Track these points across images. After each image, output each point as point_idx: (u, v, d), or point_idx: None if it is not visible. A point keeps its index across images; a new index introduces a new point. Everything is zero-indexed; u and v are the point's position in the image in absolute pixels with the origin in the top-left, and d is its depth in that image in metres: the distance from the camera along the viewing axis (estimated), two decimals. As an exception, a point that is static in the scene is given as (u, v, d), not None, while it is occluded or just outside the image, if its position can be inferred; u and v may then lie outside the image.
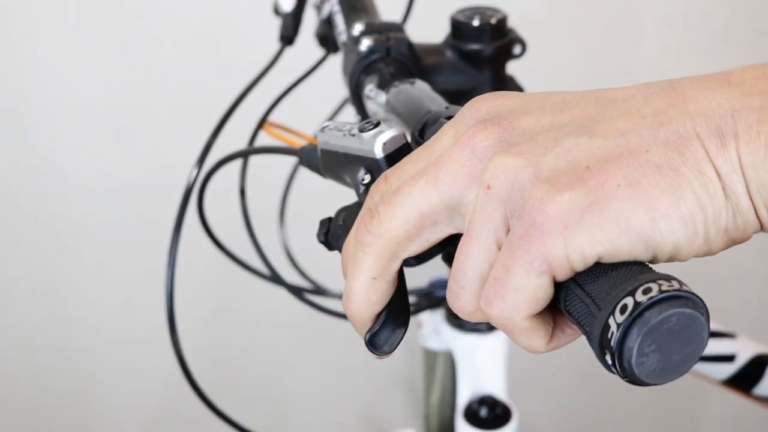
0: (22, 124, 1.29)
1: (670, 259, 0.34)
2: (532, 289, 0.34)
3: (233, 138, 0.73)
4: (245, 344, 1.48)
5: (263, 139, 0.69)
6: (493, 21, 0.64)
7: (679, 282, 0.32)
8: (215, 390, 0.70)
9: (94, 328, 1.44)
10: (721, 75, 0.34)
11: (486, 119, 0.37)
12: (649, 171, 0.33)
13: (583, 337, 0.35)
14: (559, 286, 0.34)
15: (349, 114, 0.70)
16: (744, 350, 0.82)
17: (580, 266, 0.33)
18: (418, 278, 0.76)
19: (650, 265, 0.34)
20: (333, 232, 0.45)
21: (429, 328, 0.86)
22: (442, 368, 0.88)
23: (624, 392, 1.42)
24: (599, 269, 0.33)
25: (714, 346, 0.82)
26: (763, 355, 0.82)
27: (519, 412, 0.79)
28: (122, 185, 1.34)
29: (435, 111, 0.48)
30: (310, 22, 0.76)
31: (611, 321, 0.32)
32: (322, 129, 0.48)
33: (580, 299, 0.34)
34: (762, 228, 0.34)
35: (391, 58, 0.61)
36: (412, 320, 0.87)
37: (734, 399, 0.87)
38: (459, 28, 0.65)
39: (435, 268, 0.54)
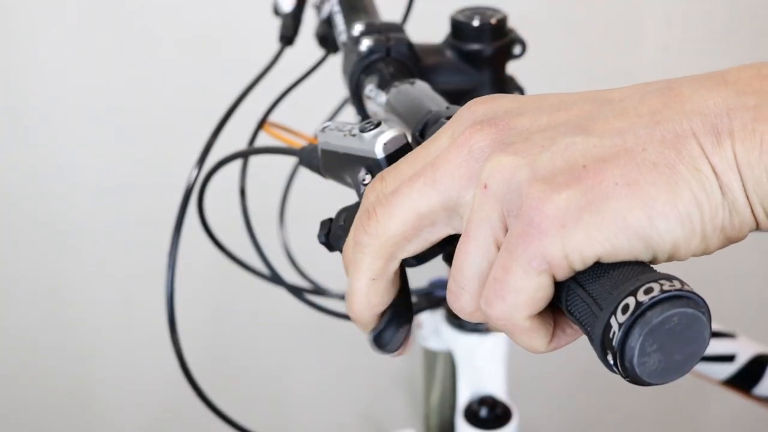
0: (22, 124, 1.29)
1: (670, 259, 0.34)
2: (531, 289, 0.34)
3: (233, 138, 0.73)
4: (245, 344, 1.48)
5: (263, 139, 0.69)
6: (493, 21, 0.64)
7: (681, 282, 0.32)
8: (215, 390, 0.70)
9: (94, 328, 1.44)
10: (717, 74, 0.35)
11: (483, 120, 0.37)
12: (646, 169, 0.33)
13: (584, 337, 0.35)
14: (560, 286, 0.34)
15: (350, 114, 0.70)
16: (744, 350, 0.82)
17: (579, 266, 0.33)
18: (418, 278, 0.76)
19: (651, 266, 0.34)
20: (334, 233, 0.45)
21: (429, 328, 0.86)
22: (442, 368, 0.88)
23: (624, 392, 1.43)
24: (600, 269, 0.33)
25: (714, 346, 0.82)
26: (763, 355, 0.82)
27: (519, 412, 0.79)
28: (122, 185, 1.34)
29: (435, 111, 0.48)
30: (310, 22, 0.76)
31: (613, 321, 0.32)
32: (323, 129, 0.48)
33: (581, 299, 0.34)
34: (758, 226, 0.34)
35: (391, 58, 0.61)
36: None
37: (734, 399, 0.87)
38: (459, 28, 0.65)
39: (435, 268, 0.54)
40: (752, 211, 0.33)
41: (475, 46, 0.65)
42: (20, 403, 1.48)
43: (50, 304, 1.41)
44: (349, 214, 0.45)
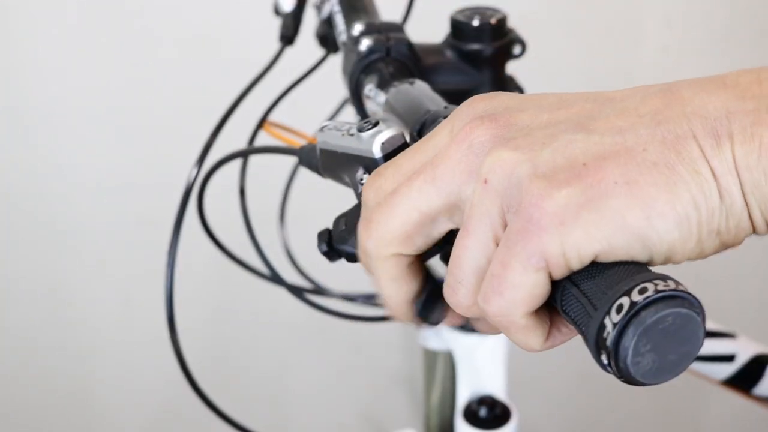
0: (22, 124, 1.29)
1: (666, 261, 0.34)
2: (529, 286, 0.34)
3: (233, 138, 0.73)
4: (245, 344, 1.48)
5: (263, 139, 0.69)
6: (493, 21, 0.64)
7: (676, 282, 0.32)
8: (215, 390, 0.70)
9: (94, 328, 1.44)
10: (716, 78, 0.35)
11: (483, 116, 0.37)
12: (646, 169, 0.33)
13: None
14: (555, 285, 0.34)
15: (350, 114, 0.70)
16: (744, 350, 0.82)
17: (576, 264, 0.33)
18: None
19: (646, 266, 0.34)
20: (338, 238, 0.45)
21: (429, 328, 0.86)
22: (443, 368, 0.88)
23: (624, 392, 1.43)
24: (595, 268, 0.33)
25: (714, 346, 0.82)
26: (763, 355, 0.82)
27: (519, 412, 0.79)
28: (122, 185, 1.34)
29: (434, 111, 0.48)
30: (310, 22, 0.76)
31: (607, 320, 0.32)
32: (321, 129, 0.48)
33: (576, 298, 0.34)
34: (754, 230, 0.34)
35: (391, 58, 0.61)
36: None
37: (734, 399, 0.87)
38: (459, 28, 0.65)
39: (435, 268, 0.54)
40: (749, 215, 0.33)
41: (475, 46, 0.65)
42: (20, 403, 1.48)
43: (50, 304, 1.41)
44: (349, 217, 0.45)
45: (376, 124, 0.44)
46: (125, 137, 1.32)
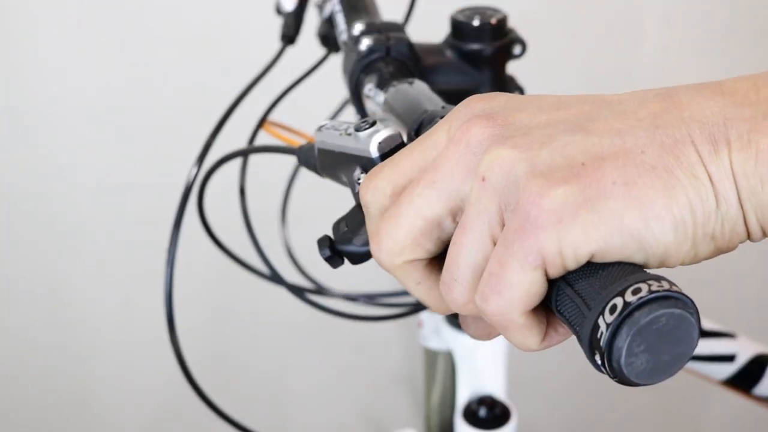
0: (22, 124, 1.29)
1: (661, 264, 0.34)
2: (526, 284, 0.34)
3: (233, 137, 0.73)
4: (245, 344, 1.48)
5: (263, 139, 0.69)
6: (493, 21, 0.64)
7: (670, 282, 0.32)
8: (215, 390, 0.70)
9: (94, 328, 1.44)
10: (713, 84, 0.35)
11: (480, 115, 0.37)
12: (644, 171, 0.33)
13: (579, 337, 0.35)
14: (550, 286, 0.34)
15: (350, 114, 0.71)
16: (744, 350, 0.82)
17: (572, 263, 0.33)
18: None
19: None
20: (341, 240, 0.45)
21: (429, 328, 0.86)
22: (443, 368, 0.88)
23: (624, 392, 1.43)
24: (590, 269, 0.33)
25: (714, 346, 0.82)
26: (763, 355, 0.82)
27: (518, 412, 0.79)
28: (122, 185, 1.34)
29: (431, 110, 0.48)
30: (311, 22, 0.76)
31: (601, 321, 0.32)
32: (319, 128, 0.48)
33: (570, 299, 0.34)
34: (749, 237, 0.34)
35: (391, 58, 0.61)
36: (413, 319, 0.87)
37: (734, 399, 0.87)
38: (459, 28, 0.65)
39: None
40: (745, 221, 0.33)
41: (475, 46, 0.65)
42: (20, 403, 1.48)
43: (50, 304, 1.41)
44: (349, 218, 0.45)
45: (373, 123, 0.44)
46: (125, 137, 1.32)
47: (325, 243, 0.45)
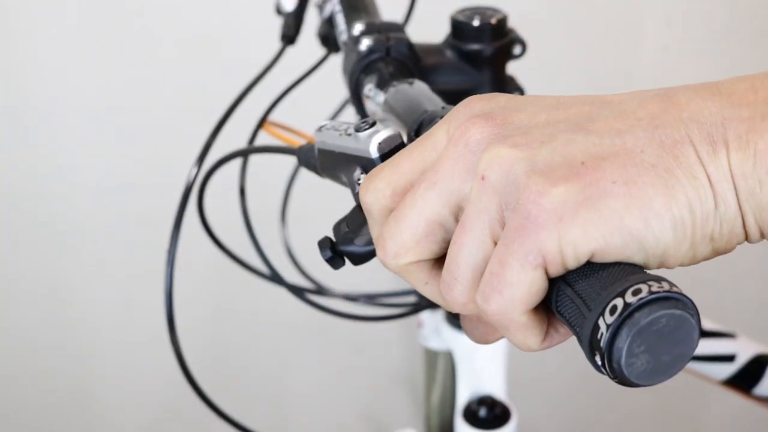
0: (22, 124, 1.29)
1: (660, 265, 0.34)
2: (527, 283, 0.34)
3: (233, 137, 0.73)
4: (245, 344, 1.48)
5: (263, 139, 0.69)
6: (493, 21, 0.64)
7: (670, 283, 0.32)
8: (215, 390, 0.70)
9: (94, 328, 1.44)
10: (711, 85, 0.35)
11: (479, 114, 0.37)
12: (644, 170, 0.33)
13: (580, 337, 0.35)
14: (550, 286, 0.34)
15: (350, 114, 0.70)
16: (744, 350, 0.82)
17: (572, 262, 0.33)
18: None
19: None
20: (343, 240, 0.45)
21: (429, 328, 0.86)
22: (443, 368, 0.88)
23: (624, 392, 1.43)
24: (590, 269, 0.33)
25: (714, 346, 0.82)
26: (763, 355, 0.82)
27: (518, 412, 0.79)
28: (122, 185, 1.34)
29: (431, 111, 0.48)
30: (312, 22, 0.76)
31: (601, 322, 0.32)
32: (320, 128, 0.48)
33: (570, 299, 0.34)
34: (746, 238, 0.34)
35: (391, 58, 0.61)
36: (413, 319, 0.87)
37: (734, 399, 0.87)
38: (459, 28, 0.65)
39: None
40: (743, 223, 0.34)
41: (475, 46, 0.65)
42: (20, 403, 1.48)
43: (50, 304, 1.41)
44: (350, 219, 0.45)
45: (373, 124, 0.44)
46: (125, 137, 1.32)
47: (326, 244, 0.45)
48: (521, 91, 0.68)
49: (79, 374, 1.47)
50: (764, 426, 1.49)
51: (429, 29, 0.71)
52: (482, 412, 0.79)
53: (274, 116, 0.71)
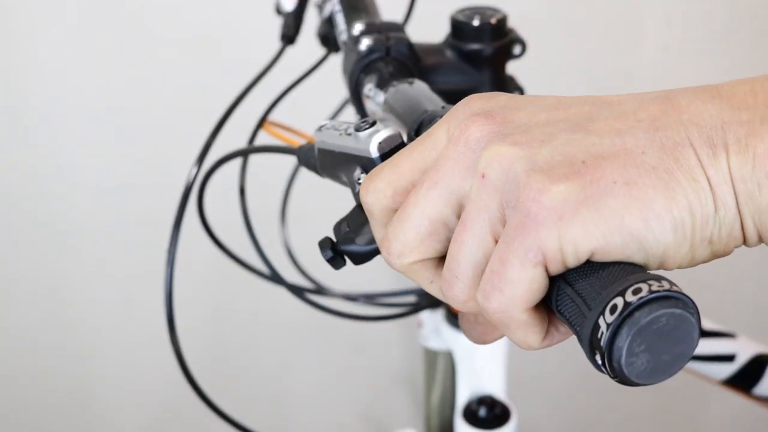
0: (22, 124, 1.29)
1: (660, 266, 0.34)
2: (527, 281, 0.34)
3: (233, 137, 0.73)
4: (245, 344, 1.48)
5: (263, 138, 0.69)
6: (493, 21, 0.64)
7: (670, 282, 0.32)
8: (215, 390, 0.70)
9: (94, 328, 1.44)
10: (711, 87, 0.35)
11: (479, 113, 0.37)
12: (645, 172, 0.33)
13: (579, 337, 0.35)
14: (551, 285, 0.34)
15: (350, 114, 0.70)
16: (744, 350, 0.82)
17: (572, 261, 0.33)
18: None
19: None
20: (344, 240, 0.45)
21: (429, 328, 0.86)
22: (443, 368, 0.88)
23: (624, 392, 1.43)
24: (590, 268, 0.33)
25: (714, 346, 0.82)
26: (763, 355, 0.82)
27: (518, 412, 0.79)
28: (122, 185, 1.34)
29: (431, 110, 0.48)
30: (311, 22, 0.76)
31: (601, 321, 0.32)
32: (320, 128, 0.48)
33: (570, 299, 0.34)
34: (745, 242, 0.34)
35: (391, 58, 0.61)
36: (413, 319, 0.87)
37: (734, 399, 0.87)
38: (459, 28, 0.65)
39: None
40: (742, 226, 0.34)
41: (475, 46, 0.65)
42: (20, 403, 1.48)
43: (50, 304, 1.41)
44: (350, 219, 0.45)
45: (373, 123, 0.44)
46: (125, 137, 1.32)
47: (326, 245, 0.45)
48: (521, 91, 0.68)
49: (79, 374, 1.47)
50: (764, 426, 1.49)
51: (429, 29, 0.71)
52: (482, 411, 0.79)
53: (274, 116, 0.71)
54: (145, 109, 1.30)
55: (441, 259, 0.39)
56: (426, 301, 0.82)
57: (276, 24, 0.76)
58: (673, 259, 0.34)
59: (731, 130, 0.33)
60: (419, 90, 0.54)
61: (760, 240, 0.34)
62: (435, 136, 0.38)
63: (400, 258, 0.39)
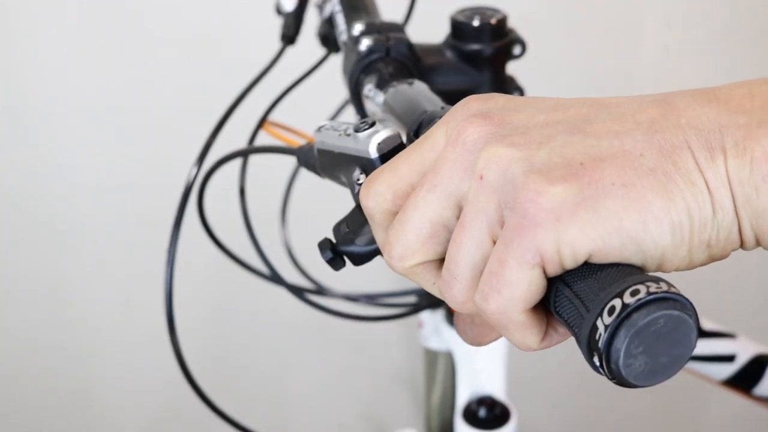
0: (22, 124, 1.29)
1: (658, 268, 0.34)
2: (525, 282, 0.34)
3: (233, 137, 0.73)
4: (245, 344, 1.48)
5: (263, 139, 0.69)
6: (493, 21, 0.64)
7: (668, 284, 0.32)
8: (215, 390, 0.70)
9: (94, 328, 1.44)
10: (708, 91, 0.35)
11: (477, 114, 0.37)
12: (643, 174, 0.33)
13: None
14: (549, 286, 0.34)
15: (350, 114, 0.70)
16: (744, 350, 0.82)
17: (569, 262, 0.33)
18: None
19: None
20: (344, 241, 0.45)
21: (430, 328, 0.86)
22: (443, 368, 0.88)
23: (624, 392, 1.43)
24: (588, 269, 0.33)
25: (714, 346, 0.82)
26: (763, 355, 0.82)
27: (518, 413, 0.79)
28: (122, 185, 1.34)
29: (430, 111, 0.48)
30: (312, 22, 0.76)
31: (599, 322, 0.32)
32: (319, 129, 0.48)
33: (569, 300, 0.34)
34: (742, 245, 0.34)
35: (391, 58, 0.61)
36: (413, 319, 0.87)
37: (734, 399, 0.87)
38: (459, 29, 0.65)
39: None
40: (739, 229, 0.34)
41: (475, 47, 0.65)
42: (20, 403, 1.48)
43: (50, 304, 1.41)
44: (350, 220, 0.45)
45: (372, 124, 0.44)
46: (125, 137, 1.32)
47: (326, 245, 0.45)
48: (521, 92, 0.68)
49: (79, 374, 1.47)
50: (764, 426, 1.49)
51: (429, 29, 0.71)
52: (482, 412, 0.79)
53: (274, 116, 0.71)
54: (145, 109, 1.30)
55: (442, 261, 0.39)
56: (426, 302, 0.82)
57: (276, 24, 0.76)
58: (671, 261, 0.34)
59: (729, 134, 0.33)
60: (419, 90, 0.54)
61: (757, 243, 0.34)
62: (433, 137, 0.38)
63: (401, 261, 0.39)
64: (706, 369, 0.82)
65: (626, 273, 0.32)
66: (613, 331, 0.31)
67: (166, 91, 1.29)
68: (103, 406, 1.49)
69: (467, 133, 0.36)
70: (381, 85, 0.58)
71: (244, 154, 0.70)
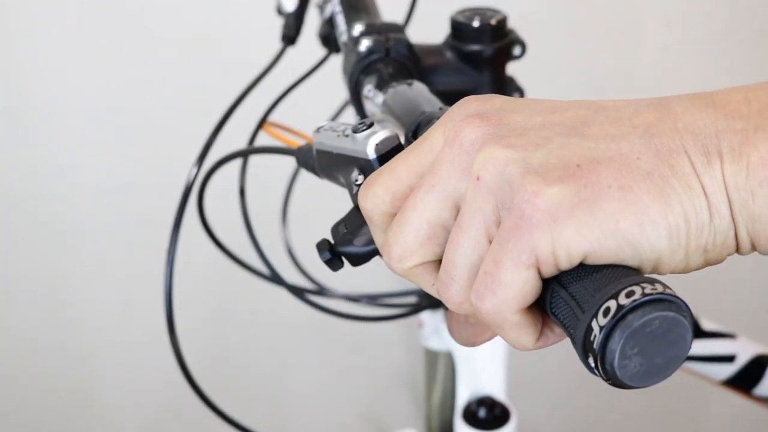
0: (22, 124, 1.29)
1: (653, 271, 0.34)
2: (520, 283, 0.34)
3: (233, 138, 0.73)
4: (245, 344, 1.48)
5: (263, 139, 0.69)
6: (493, 22, 0.64)
7: (663, 285, 0.32)
8: (215, 390, 0.70)
9: (94, 328, 1.44)
10: (706, 95, 0.35)
11: (474, 114, 0.37)
12: (640, 177, 0.33)
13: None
14: (545, 287, 0.35)
15: (351, 115, 0.71)
16: (744, 350, 0.82)
17: (565, 263, 0.33)
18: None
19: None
20: (342, 242, 0.45)
21: (430, 328, 0.86)
22: (443, 368, 0.88)
23: (624, 393, 1.43)
24: (584, 271, 0.33)
25: (714, 347, 0.82)
26: (763, 356, 0.82)
27: (518, 413, 0.79)
28: (122, 185, 1.34)
29: (429, 112, 0.48)
30: (312, 22, 0.76)
31: (594, 324, 0.32)
32: (318, 129, 0.48)
33: (564, 301, 0.34)
34: (738, 250, 0.34)
35: (391, 59, 0.61)
36: (413, 320, 0.87)
37: (734, 399, 0.87)
38: (459, 29, 0.65)
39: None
40: (735, 234, 0.34)
41: (475, 47, 0.65)
42: (20, 403, 1.48)
43: (50, 304, 1.41)
44: (348, 220, 0.45)
45: (371, 125, 0.44)
46: (125, 137, 1.32)
47: (324, 246, 0.45)
48: (521, 92, 0.68)
49: (79, 374, 1.47)
50: (764, 426, 1.49)
51: (429, 29, 0.71)
52: (482, 412, 0.79)
53: (274, 117, 0.71)
54: (145, 109, 1.30)
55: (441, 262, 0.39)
56: (426, 302, 0.82)
57: (276, 24, 0.76)
58: (667, 265, 0.34)
59: (725, 139, 0.33)
60: (418, 91, 0.54)
61: (753, 248, 0.34)
62: (431, 138, 0.38)
63: (401, 262, 0.39)
64: (707, 369, 0.82)
65: (621, 274, 0.33)
66: (608, 332, 0.31)
67: (166, 91, 1.29)
68: (103, 406, 1.49)
69: (464, 133, 0.36)
70: (380, 86, 0.58)
71: (244, 154, 0.70)
